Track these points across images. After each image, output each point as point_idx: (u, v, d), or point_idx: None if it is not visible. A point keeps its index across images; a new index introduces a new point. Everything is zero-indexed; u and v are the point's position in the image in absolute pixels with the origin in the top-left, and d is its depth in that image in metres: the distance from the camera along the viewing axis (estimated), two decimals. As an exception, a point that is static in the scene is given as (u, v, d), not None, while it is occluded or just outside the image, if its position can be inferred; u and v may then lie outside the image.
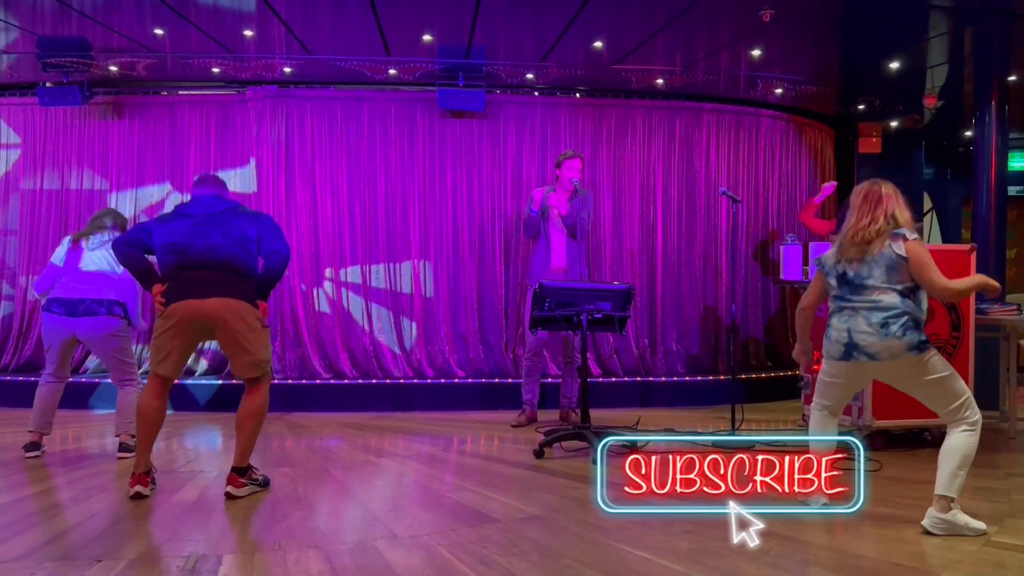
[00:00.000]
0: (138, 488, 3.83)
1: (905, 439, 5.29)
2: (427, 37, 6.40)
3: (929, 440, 5.17)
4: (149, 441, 3.93)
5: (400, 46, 6.60)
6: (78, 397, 6.78)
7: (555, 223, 6.10)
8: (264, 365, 4.03)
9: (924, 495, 3.84)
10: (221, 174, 7.33)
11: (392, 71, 7.15)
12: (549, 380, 6.70)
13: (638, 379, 7.40)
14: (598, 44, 6.51)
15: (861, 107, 8.21)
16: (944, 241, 10.06)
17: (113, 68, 6.96)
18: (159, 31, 6.19)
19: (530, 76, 7.32)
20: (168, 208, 7.20)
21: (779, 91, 7.57)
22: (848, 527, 3.44)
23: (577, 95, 7.78)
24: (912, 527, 3.34)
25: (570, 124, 7.64)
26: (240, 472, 3.95)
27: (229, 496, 3.88)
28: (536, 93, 7.71)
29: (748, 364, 7.91)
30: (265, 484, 4.14)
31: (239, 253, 3.98)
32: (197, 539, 3.24)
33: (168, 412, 4.07)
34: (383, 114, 7.48)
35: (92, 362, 7.27)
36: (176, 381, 4.14)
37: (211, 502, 3.86)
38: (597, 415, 5.47)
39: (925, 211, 10.04)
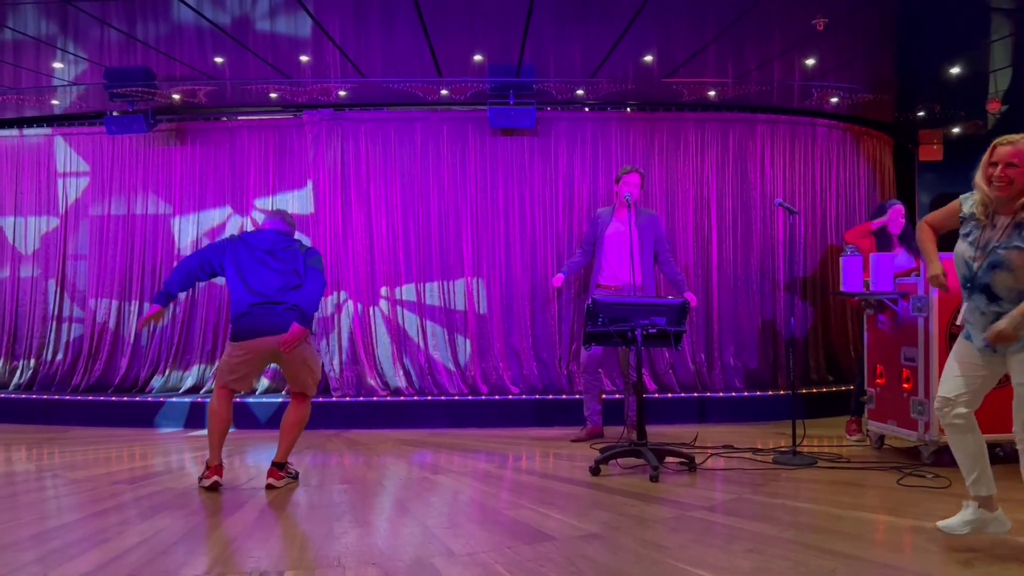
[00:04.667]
0: (215, 478, 4.43)
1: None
2: (478, 57, 6.47)
3: (1000, 456, 4.97)
4: (221, 439, 4.53)
5: (451, 67, 6.68)
6: (143, 416, 6.99)
7: (610, 240, 6.12)
8: (313, 386, 4.68)
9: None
10: (279, 196, 7.59)
11: (444, 91, 7.24)
12: (606, 396, 6.65)
13: (695, 395, 7.29)
14: (648, 58, 6.49)
15: (921, 114, 8.00)
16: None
17: (176, 96, 7.19)
18: (219, 59, 6.38)
19: (580, 92, 7.32)
20: (228, 231, 7.42)
21: (835, 100, 7.43)
22: (915, 546, 3.34)
23: (628, 109, 7.75)
24: (980, 547, 3.22)
25: (621, 139, 7.62)
26: (280, 467, 4.58)
27: (270, 487, 4.48)
28: (586, 109, 7.71)
29: (808, 378, 7.74)
30: (296, 477, 4.76)
31: (295, 286, 4.58)
32: (259, 556, 3.30)
33: (231, 429, 4.51)
34: (435, 134, 7.58)
35: (157, 381, 7.47)
36: (236, 399, 4.48)
37: (273, 519, 3.94)
38: (654, 431, 5.42)
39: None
